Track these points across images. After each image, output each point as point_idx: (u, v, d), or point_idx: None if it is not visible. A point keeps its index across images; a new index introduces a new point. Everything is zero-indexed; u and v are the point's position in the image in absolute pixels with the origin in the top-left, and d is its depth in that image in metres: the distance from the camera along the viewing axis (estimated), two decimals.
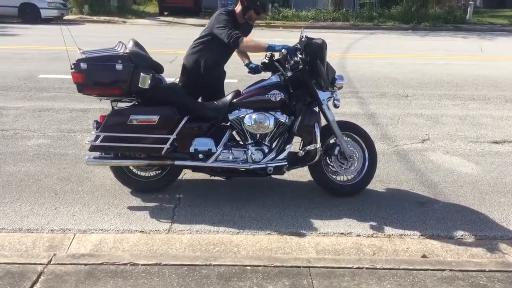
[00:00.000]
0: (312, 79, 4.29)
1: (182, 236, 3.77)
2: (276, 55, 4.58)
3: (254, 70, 4.75)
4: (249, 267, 3.25)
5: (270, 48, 4.17)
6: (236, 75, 8.05)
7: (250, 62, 4.82)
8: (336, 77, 4.34)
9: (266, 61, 4.55)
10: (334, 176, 4.49)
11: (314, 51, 4.13)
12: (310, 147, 4.20)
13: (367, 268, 3.27)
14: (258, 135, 4.34)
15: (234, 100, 4.33)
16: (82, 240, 3.68)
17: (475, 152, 5.68)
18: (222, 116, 4.34)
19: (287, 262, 3.32)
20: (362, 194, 4.49)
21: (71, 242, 3.64)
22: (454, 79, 9.49)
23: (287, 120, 4.31)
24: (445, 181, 4.86)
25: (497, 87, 8.92)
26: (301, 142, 4.37)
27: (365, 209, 4.26)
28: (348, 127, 4.50)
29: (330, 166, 4.48)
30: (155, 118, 4.10)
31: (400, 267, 3.28)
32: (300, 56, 4.18)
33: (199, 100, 4.70)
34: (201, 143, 4.23)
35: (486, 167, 5.24)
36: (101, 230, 3.83)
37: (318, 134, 4.21)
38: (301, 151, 4.22)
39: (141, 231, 3.82)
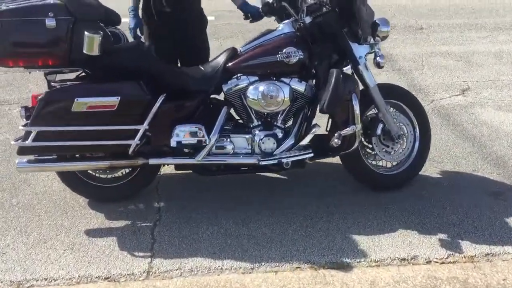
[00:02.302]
0: (344, 27, 2.91)
1: (169, 282, 2.49)
2: None
3: (252, 15, 3.31)
4: None
5: None
6: (212, 12, 6.62)
7: (245, 3, 3.37)
8: (377, 21, 2.95)
9: (271, 0, 3.12)
10: (373, 162, 3.22)
11: None
12: (347, 131, 2.87)
13: None
14: (266, 114, 2.99)
15: (230, 64, 2.94)
16: None
17: None
18: (214, 87, 2.96)
19: None
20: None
21: None
22: (468, 3, 8.08)
23: (307, 90, 2.96)
24: None
25: None
26: (328, 121, 3.05)
27: (421, 208, 3.03)
28: (392, 93, 3.17)
29: (367, 149, 3.19)
30: (114, 101, 2.69)
31: None
32: None
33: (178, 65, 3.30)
34: (186, 132, 2.86)
35: None
36: (45, 279, 2.52)
37: (358, 111, 2.88)
38: (335, 139, 2.88)
39: (106, 278, 2.53)
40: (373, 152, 3.17)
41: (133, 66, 2.78)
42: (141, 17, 3.31)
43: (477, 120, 4.14)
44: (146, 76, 2.78)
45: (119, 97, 2.68)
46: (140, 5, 3.32)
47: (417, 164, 3.22)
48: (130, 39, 3.16)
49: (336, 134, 2.86)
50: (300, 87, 2.94)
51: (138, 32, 3.24)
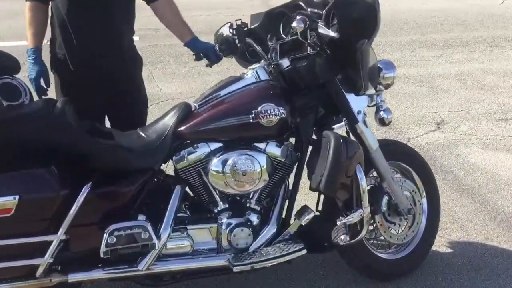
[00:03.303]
0: (337, 73, 2.14)
1: None
2: (250, 23, 2.36)
3: (206, 54, 2.46)
4: None
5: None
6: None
7: (195, 39, 2.51)
8: (379, 65, 2.21)
9: (230, 34, 2.29)
10: (374, 242, 2.47)
11: (359, 21, 1.96)
12: (353, 218, 2.09)
13: None
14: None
15: (182, 128, 2.08)
16: None
17: None
18: (160, 162, 2.09)
19: None
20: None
21: None
22: (410, 17, 7.66)
23: (288, 156, 2.16)
24: None
25: (465, 26, 7.24)
26: (319, 197, 2.27)
27: None
28: (390, 151, 2.43)
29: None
30: (10, 202, 1.75)
31: None
32: (324, 31, 1.96)
33: (106, 126, 2.39)
34: (124, 235, 1.96)
35: None
36: None
37: (365, 186, 2.11)
38: (340, 234, 2.08)
39: None
40: (371, 228, 2.42)
41: (40, 142, 1.85)
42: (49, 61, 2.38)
43: (466, 164, 3.52)
44: (60, 157, 1.86)
45: (17, 196, 1.74)
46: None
47: (426, 242, 2.51)
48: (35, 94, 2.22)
49: (340, 225, 2.07)
50: (280, 153, 2.15)
51: (43, 83, 2.30)
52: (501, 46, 6.32)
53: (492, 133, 3.98)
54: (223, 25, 2.38)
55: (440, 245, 2.70)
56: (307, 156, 2.22)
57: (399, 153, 2.44)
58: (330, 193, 2.05)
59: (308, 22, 1.94)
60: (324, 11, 1.98)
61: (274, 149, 2.14)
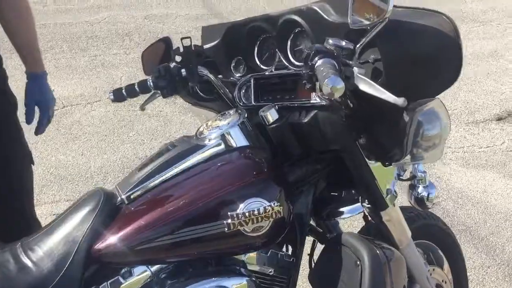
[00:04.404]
0: (360, 136, 1.32)
1: None
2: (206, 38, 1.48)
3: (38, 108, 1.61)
4: None
5: None
6: None
7: (44, 75, 1.64)
8: (419, 117, 1.38)
9: (173, 62, 1.39)
10: None
11: (428, 66, 1.13)
12: None
13: None
14: None
15: (103, 244, 1.16)
16: None
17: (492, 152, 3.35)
18: None
19: None
20: None
21: None
22: None
23: (280, 264, 1.33)
24: None
25: None
26: None
27: None
28: (430, 233, 1.67)
29: None
30: None
31: None
32: (372, 90, 1.07)
33: None
34: None
35: None
36: None
37: None
38: None
39: None
40: None
41: None
42: None
43: (452, 191, 2.88)
44: None
45: None
46: None
47: None
48: None
49: None
50: (267, 265, 1.32)
51: None
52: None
53: (468, 143, 3.39)
54: (157, 42, 1.49)
55: None
56: (305, 258, 1.41)
57: (437, 235, 1.69)
58: None
59: (337, 67, 1.06)
60: (357, 46, 1.10)
61: (258, 261, 1.30)
